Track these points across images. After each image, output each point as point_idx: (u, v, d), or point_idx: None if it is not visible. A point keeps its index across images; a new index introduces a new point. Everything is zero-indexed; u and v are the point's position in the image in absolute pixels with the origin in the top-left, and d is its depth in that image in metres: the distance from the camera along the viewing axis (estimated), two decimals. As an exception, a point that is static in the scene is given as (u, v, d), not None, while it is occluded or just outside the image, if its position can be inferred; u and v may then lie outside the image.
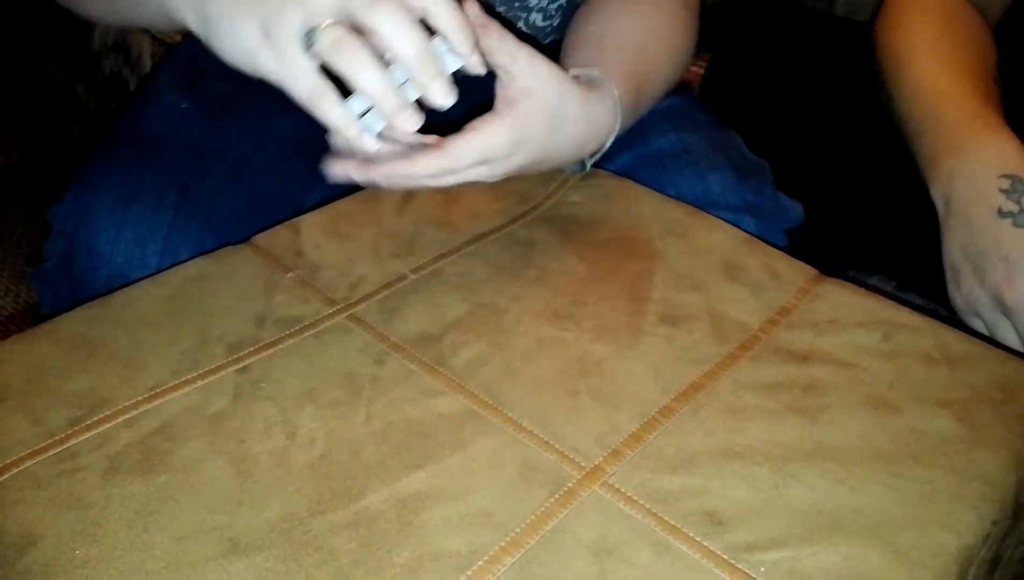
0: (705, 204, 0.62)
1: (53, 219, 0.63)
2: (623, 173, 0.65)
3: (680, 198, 0.62)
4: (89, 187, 0.62)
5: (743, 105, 0.87)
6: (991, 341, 0.53)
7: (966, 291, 0.62)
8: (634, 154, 0.67)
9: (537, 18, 0.74)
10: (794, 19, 0.96)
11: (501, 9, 0.71)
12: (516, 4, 0.72)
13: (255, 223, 0.62)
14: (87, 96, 1.31)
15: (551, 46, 0.77)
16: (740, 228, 0.58)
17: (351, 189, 0.65)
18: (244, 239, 0.57)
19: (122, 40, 1.17)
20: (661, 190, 0.63)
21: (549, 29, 0.76)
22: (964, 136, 0.65)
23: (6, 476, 0.40)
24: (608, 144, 0.59)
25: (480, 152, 0.50)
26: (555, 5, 0.74)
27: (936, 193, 0.66)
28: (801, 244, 0.71)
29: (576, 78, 0.56)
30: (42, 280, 0.64)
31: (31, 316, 1.36)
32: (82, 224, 0.61)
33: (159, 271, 0.58)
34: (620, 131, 0.60)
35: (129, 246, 0.59)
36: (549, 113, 0.52)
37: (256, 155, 0.67)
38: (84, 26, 1.23)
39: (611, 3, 0.67)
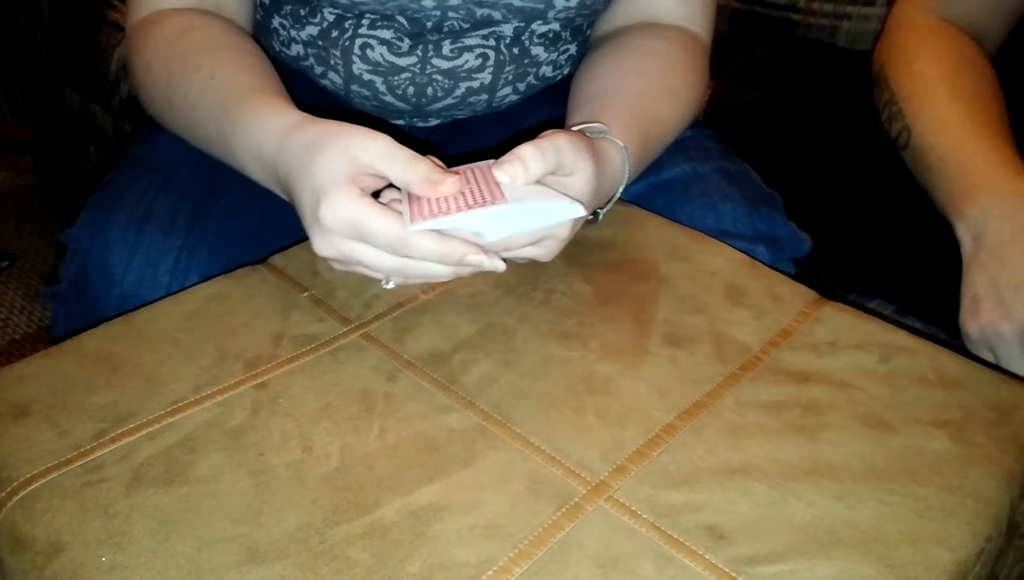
0: (717, 233, 0.63)
1: (68, 240, 0.64)
2: (636, 202, 0.66)
3: (692, 227, 0.63)
4: (103, 209, 0.64)
5: (745, 131, 0.88)
6: (986, 363, 0.54)
7: (984, 322, 0.64)
8: (647, 183, 0.68)
9: (547, 70, 0.76)
10: (797, 49, 0.99)
11: (510, 68, 0.73)
12: (526, 62, 0.73)
13: (265, 243, 0.64)
14: (104, 118, 1.33)
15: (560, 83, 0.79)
16: (754, 258, 0.60)
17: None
18: (257, 259, 0.59)
19: (139, 64, 1.20)
20: (673, 219, 0.64)
21: (559, 77, 0.78)
22: (999, 179, 0.67)
23: (34, 486, 0.41)
24: (620, 191, 0.61)
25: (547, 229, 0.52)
26: (565, 56, 0.76)
27: (964, 227, 0.68)
28: (803, 268, 0.72)
29: (580, 133, 0.58)
30: (55, 299, 0.65)
31: (45, 335, 1.38)
32: (95, 245, 0.62)
33: (170, 291, 0.60)
34: (630, 177, 0.62)
35: (141, 267, 0.61)
36: (591, 176, 0.54)
37: None
38: (102, 51, 1.26)
39: (612, 58, 0.69)
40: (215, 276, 0.60)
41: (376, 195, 0.53)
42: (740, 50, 0.99)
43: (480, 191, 0.50)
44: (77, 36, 1.31)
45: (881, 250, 0.79)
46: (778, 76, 0.90)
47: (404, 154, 0.51)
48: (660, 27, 0.71)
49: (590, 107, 0.63)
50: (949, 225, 0.70)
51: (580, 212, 0.51)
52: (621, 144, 0.59)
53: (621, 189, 0.61)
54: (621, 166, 0.60)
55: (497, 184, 0.51)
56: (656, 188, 0.68)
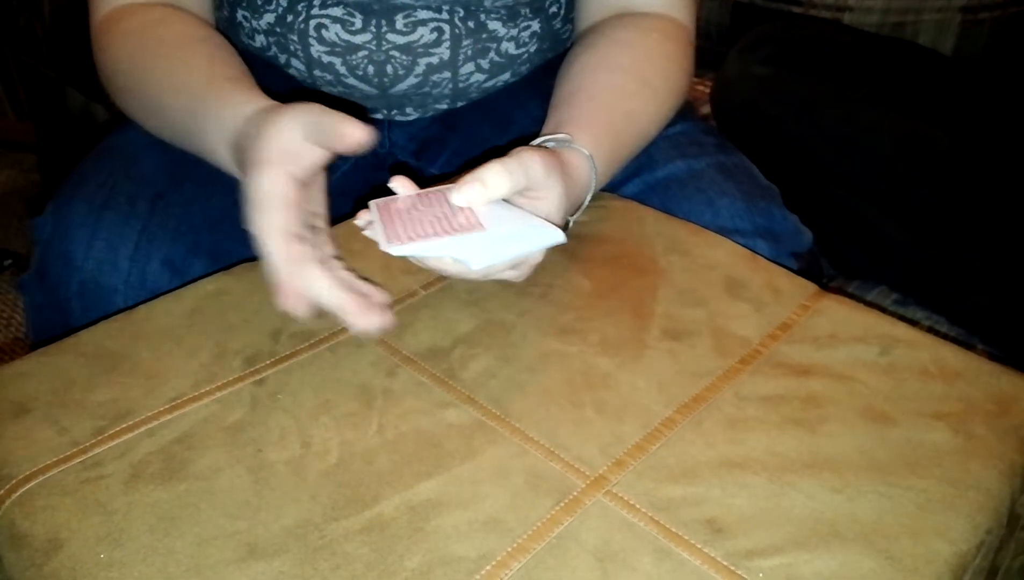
0: (716, 230, 0.62)
1: (34, 230, 0.65)
2: None
3: None
4: (66, 198, 0.64)
5: (752, 107, 0.88)
6: (987, 356, 0.54)
7: None
8: (642, 182, 0.68)
9: (509, 47, 0.75)
10: (805, 25, 0.98)
11: (468, 42, 0.72)
12: (484, 36, 0.72)
13: (233, 230, 0.63)
14: (105, 117, 1.34)
15: (529, 73, 0.78)
16: (754, 252, 0.59)
17: (338, 203, 0.66)
18: (225, 246, 0.58)
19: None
20: None
21: (525, 55, 0.77)
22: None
23: (33, 483, 0.41)
24: (588, 199, 0.60)
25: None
26: (528, 32, 0.75)
27: None
28: (805, 262, 0.72)
29: (546, 145, 0.58)
30: (23, 289, 0.66)
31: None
32: (57, 233, 0.63)
33: (130, 276, 0.60)
34: (604, 178, 0.61)
35: (101, 253, 0.61)
36: (560, 196, 0.54)
37: None
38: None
39: (585, 55, 0.68)
40: (178, 262, 0.61)
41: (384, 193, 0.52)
42: (742, 34, 0.99)
43: (455, 216, 0.49)
44: (78, 35, 1.31)
45: (885, 234, 0.78)
46: (786, 52, 0.90)
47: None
48: (637, 16, 0.71)
49: (560, 111, 0.63)
50: (951, 210, 0.69)
51: (561, 238, 0.50)
52: (587, 153, 0.59)
53: (590, 196, 0.60)
54: (588, 174, 0.59)
55: (470, 209, 0.50)
56: (652, 187, 0.68)
